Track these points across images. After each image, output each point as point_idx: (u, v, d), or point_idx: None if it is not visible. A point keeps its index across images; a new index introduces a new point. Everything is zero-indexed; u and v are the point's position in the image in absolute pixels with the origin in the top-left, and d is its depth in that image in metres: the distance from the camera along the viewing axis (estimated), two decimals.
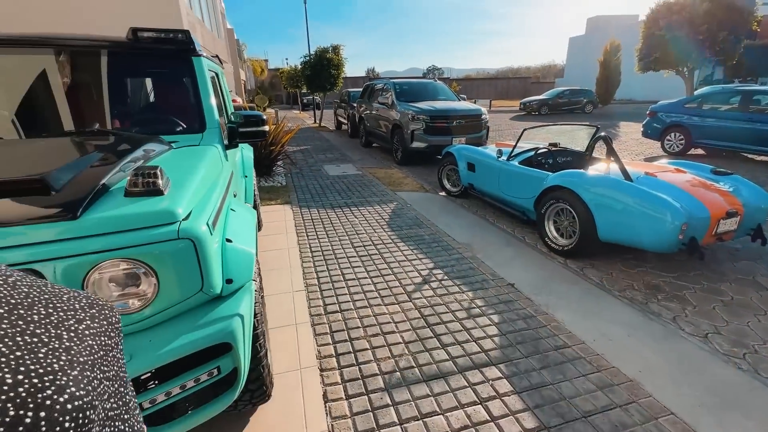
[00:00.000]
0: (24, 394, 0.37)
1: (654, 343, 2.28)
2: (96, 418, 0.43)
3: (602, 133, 3.83)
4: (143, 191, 1.19)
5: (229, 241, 1.42)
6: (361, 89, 12.38)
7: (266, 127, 2.34)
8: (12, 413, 0.36)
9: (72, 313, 0.50)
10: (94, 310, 0.53)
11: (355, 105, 11.68)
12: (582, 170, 3.61)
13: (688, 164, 3.96)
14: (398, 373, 2.02)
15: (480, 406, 1.80)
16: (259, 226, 3.99)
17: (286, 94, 36.70)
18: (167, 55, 2.17)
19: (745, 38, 11.42)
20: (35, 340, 0.42)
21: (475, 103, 11.27)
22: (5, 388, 0.36)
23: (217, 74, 2.76)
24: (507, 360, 2.11)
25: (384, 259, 3.40)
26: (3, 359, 0.38)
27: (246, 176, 3.31)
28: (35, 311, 0.46)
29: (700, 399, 1.86)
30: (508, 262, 3.38)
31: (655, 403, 1.82)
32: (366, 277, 3.06)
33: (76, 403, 0.40)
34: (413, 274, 3.11)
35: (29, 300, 0.46)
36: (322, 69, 14.52)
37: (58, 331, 0.46)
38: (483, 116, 7.99)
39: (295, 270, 3.18)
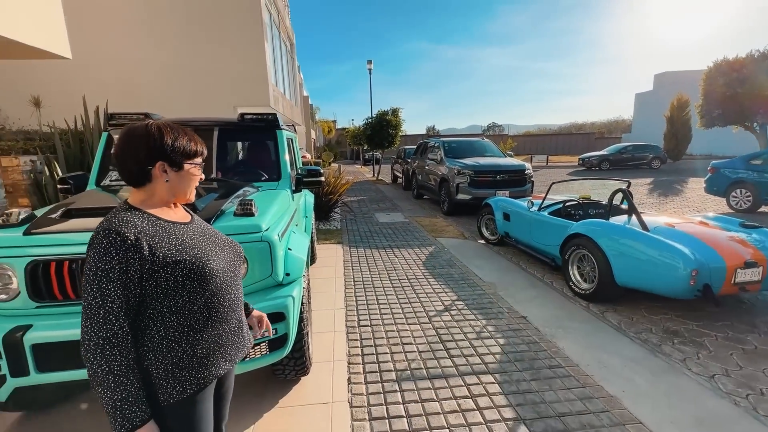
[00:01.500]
0: (197, 257, 1.08)
1: (649, 375, 2.49)
2: (217, 276, 1.11)
3: (624, 187, 4.16)
4: (244, 213, 1.98)
5: (290, 249, 2.15)
6: (413, 146, 13.54)
7: (322, 178, 3.18)
8: (195, 264, 1.06)
9: (222, 242, 1.21)
10: (232, 245, 1.24)
11: (409, 160, 12.78)
12: (602, 220, 3.93)
13: (718, 218, 4.08)
14: (409, 371, 2.51)
15: (470, 399, 2.22)
16: (314, 260, 4.78)
17: (350, 150, 40.06)
18: (260, 129, 3.16)
19: None
20: (209, 246, 1.13)
21: (531, 159, 11.74)
22: (189, 256, 1.06)
23: (291, 139, 3.75)
24: (502, 371, 2.49)
25: (414, 290, 3.94)
26: (196, 248, 1.09)
27: (306, 216, 4.17)
28: (212, 238, 1.18)
29: (676, 418, 2.08)
30: (528, 300, 3.72)
31: (627, 414, 2.09)
32: (396, 303, 3.62)
33: (211, 267, 1.09)
34: (437, 303, 3.60)
35: (214, 235, 1.20)
36: (381, 129, 16.13)
37: (217, 247, 1.16)
38: (526, 171, 8.44)
39: (339, 294, 3.84)
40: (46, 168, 5.05)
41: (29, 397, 2.01)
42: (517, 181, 8.34)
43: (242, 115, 3.07)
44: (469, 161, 8.68)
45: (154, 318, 1.02)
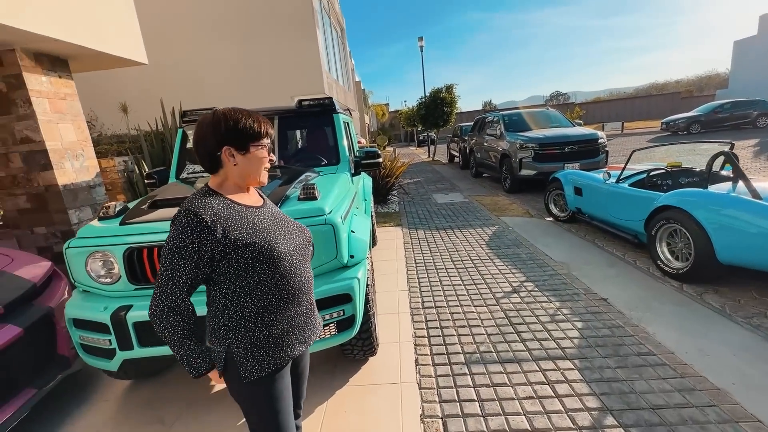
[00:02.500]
0: (267, 240, 1.08)
1: (765, 365, 2.14)
2: (286, 260, 1.11)
3: (726, 149, 3.56)
4: (307, 198, 2.01)
5: (353, 231, 2.15)
6: (470, 123, 12.97)
7: (380, 160, 3.14)
8: (264, 247, 1.07)
9: (291, 226, 1.21)
10: (300, 229, 1.25)
11: (466, 138, 12.29)
12: (699, 189, 3.42)
13: None
14: (478, 354, 2.42)
15: (547, 385, 2.08)
16: (375, 243, 4.82)
17: (404, 132, 39.70)
18: (317, 114, 3.18)
19: None
20: (278, 230, 1.14)
21: (603, 127, 10.61)
22: (258, 239, 1.07)
23: (347, 123, 3.74)
24: (582, 357, 2.30)
25: (478, 271, 3.80)
26: (265, 232, 1.09)
27: (365, 200, 4.18)
28: (282, 223, 1.18)
29: None
30: (607, 280, 3.40)
31: (739, 410, 1.81)
32: (460, 284, 3.51)
33: (279, 250, 1.09)
34: (504, 285, 3.43)
35: (283, 219, 1.20)
36: (435, 107, 15.69)
37: (286, 231, 1.16)
38: (599, 141, 7.67)
39: (401, 275, 3.83)
40: (135, 167, 5.65)
41: (135, 367, 2.28)
42: (588, 152, 7.61)
43: (300, 101, 3.11)
44: (532, 134, 8.09)
45: (229, 297, 1.07)
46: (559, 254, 4.12)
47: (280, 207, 1.95)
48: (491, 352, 2.44)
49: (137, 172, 5.55)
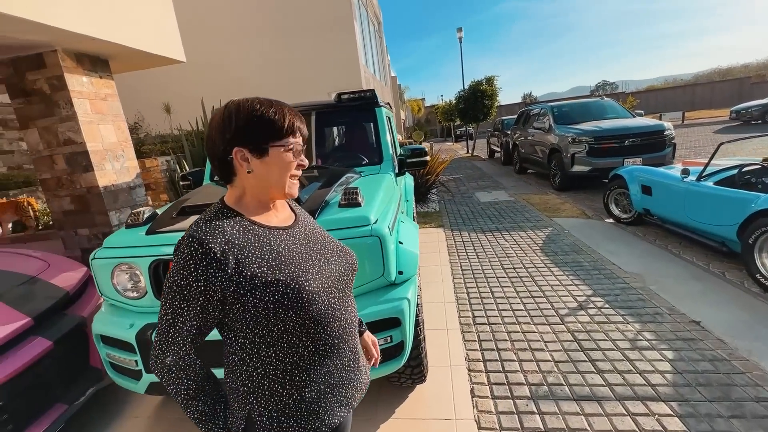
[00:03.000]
0: (293, 276, 0.80)
1: None
2: (319, 300, 0.83)
3: None
4: (349, 204, 1.74)
5: (401, 242, 1.85)
6: (513, 117, 12.26)
7: (428, 158, 2.82)
8: (290, 287, 0.78)
9: (329, 251, 0.93)
10: (342, 253, 0.96)
11: (509, 132, 11.62)
12: None
13: None
14: (545, 386, 2.06)
15: None
16: None
17: (440, 127, 38.86)
18: (358, 108, 2.91)
19: None
20: (311, 259, 0.86)
21: (660, 118, 9.64)
22: (283, 276, 0.79)
23: (389, 117, 3.45)
24: (681, 399, 1.87)
25: (535, 281, 3.38)
26: (293, 265, 0.82)
27: (407, 200, 3.88)
28: (317, 246, 0.91)
29: None
30: (694, 297, 2.88)
31: None
32: (515, 297, 3.13)
33: (310, 290, 0.81)
34: (567, 299, 3.00)
35: (321, 241, 0.92)
36: (475, 101, 15.02)
37: (322, 258, 0.89)
38: (666, 132, 6.85)
39: (447, 284, 3.50)
40: (177, 166, 5.70)
41: (165, 389, 2.12)
42: (652, 146, 6.82)
43: (339, 95, 2.86)
44: (586, 126, 7.39)
45: (247, 350, 0.81)
46: (629, 263, 3.60)
47: (318, 215, 1.69)
48: (562, 384, 2.06)
49: (178, 171, 5.59)
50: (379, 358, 1.24)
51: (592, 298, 2.97)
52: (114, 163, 3.40)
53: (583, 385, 2.04)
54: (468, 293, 3.28)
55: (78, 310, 2.17)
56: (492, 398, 2.01)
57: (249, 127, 0.80)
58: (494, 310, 2.95)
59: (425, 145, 16.20)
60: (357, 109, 2.93)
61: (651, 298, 2.89)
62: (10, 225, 3.93)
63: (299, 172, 0.88)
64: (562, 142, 7.40)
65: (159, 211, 2.01)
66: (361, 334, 1.15)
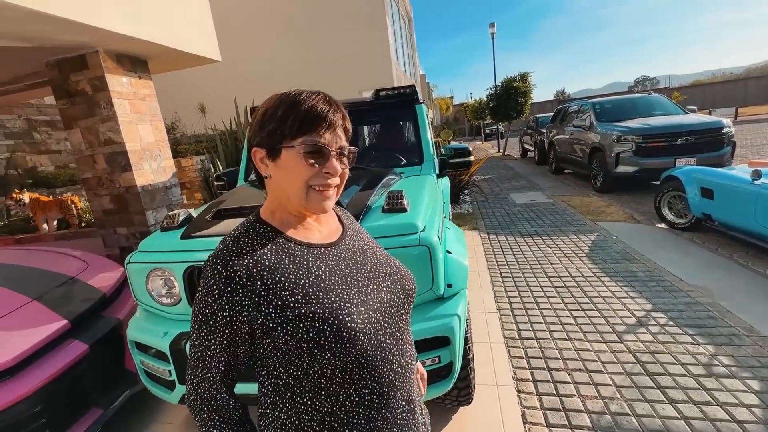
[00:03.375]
0: (332, 308, 0.65)
1: None
2: (364, 339, 0.67)
3: None
4: (394, 209, 1.59)
5: (449, 252, 1.69)
6: (547, 114, 11.75)
7: (471, 158, 2.63)
8: (327, 322, 0.64)
9: (381, 273, 0.77)
10: (396, 276, 0.80)
11: (543, 130, 11.13)
12: None
13: None
14: (608, 416, 1.83)
15: None
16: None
17: (469, 126, 38.10)
18: (397, 106, 2.76)
19: None
20: (357, 284, 0.71)
21: (710, 113, 8.93)
22: (320, 308, 0.64)
23: (427, 116, 3.28)
24: None
25: (584, 292, 3.11)
26: (333, 293, 0.67)
27: (444, 202, 3.69)
28: (367, 267, 0.76)
29: None
30: None
31: None
32: (563, 309, 2.88)
33: (353, 327, 0.66)
34: (623, 313, 2.73)
35: (371, 260, 0.78)
36: (508, 98, 14.53)
37: (372, 281, 0.74)
38: (724, 129, 6.28)
39: (486, 292, 3.29)
40: (211, 166, 5.77)
41: None
42: (708, 144, 6.27)
43: (377, 92, 2.72)
44: (632, 124, 6.90)
45: (280, 392, 0.67)
46: (692, 274, 3.26)
47: (360, 222, 1.55)
48: (628, 415, 1.83)
49: (212, 170, 5.65)
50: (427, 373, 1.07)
51: (653, 314, 2.68)
52: (151, 163, 3.42)
53: (654, 417, 1.79)
54: (510, 303, 3.06)
55: (114, 311, 2.15)
56: (547, 426, 1.81)
57: (262, 123, 0.68)
58: (541, 322, 2.73)
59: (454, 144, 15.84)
60: (396, 107, 2.78)
61: (723, 316, 2.57)
62: (55, 222, 4.06)
63: (333, 181, 0.69)
64: (605, 141, 6.95)
65: (194, 214, 1.93)
66: None
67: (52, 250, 2.65)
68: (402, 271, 0.82)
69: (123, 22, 2.77)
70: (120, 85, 3.17)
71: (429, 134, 2.62)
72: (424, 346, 1.49)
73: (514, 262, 3.93)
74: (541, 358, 2.33)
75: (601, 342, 2.42)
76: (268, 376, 0.68)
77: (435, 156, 2.62)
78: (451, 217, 4.24)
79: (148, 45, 3.11)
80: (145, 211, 3.31)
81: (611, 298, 2.98)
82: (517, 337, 2.58)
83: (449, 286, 1.60)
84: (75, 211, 3.94)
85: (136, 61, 3.38)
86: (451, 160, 2.60)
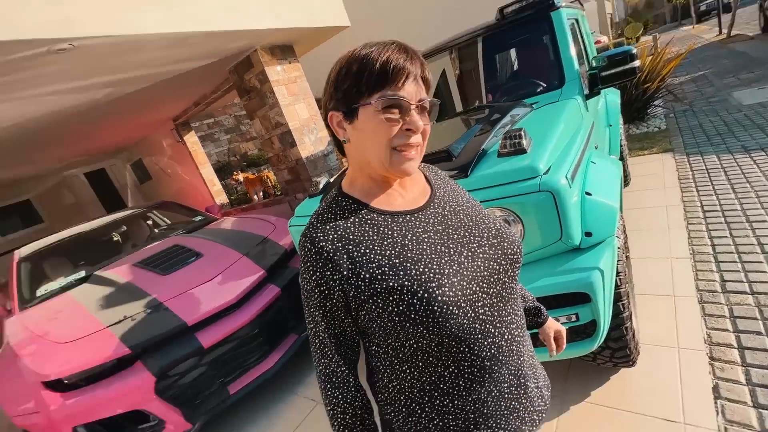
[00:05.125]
0: (421, 280, 0.61)
1: None
2: (459, 313, 0.61)
3: None
4: (511, 152, 1.40)
5: (588, 194, 1.39)
6: None
7: (636, 63, 1.99)
8: (417, 295, 0.60)
9: (478, 238, 0.70)
10: (495, 240, 0.72)
11: None
12: None
13: None
14: None
15: None
16: (626, 182, 3.52)
17: (671, 8, 28.41)
18: (528, 20, 2.30)
19: None
20: (448, 252, 0.65)
21: None
22: (408, 280, 0.61)
23: (576, 20, 2.61)
24: None
25: None
26: (421, 263, 0.63)
27: (610, 125, 2.99)
28: (460, 231, 0.70)
29: None
30: None
31: None
32: None
33: (445, 300, 0.60)
34: None
35: (467, 224, 0.72)
36: None
37: (467, 248, 0.67)
38: None
39: (676, 232, 2.59)
40: None
41: None
42: None
43: (501, 9, 2.32)
44: None
45: (382, 360, 0.70)
46: None
47: (472, 171, 1.43)
48: None
49: None
50: (565, 330, 0.96)
51: None
52: (310, 136, 3.98)
53: None
54: (714, 246, 2.33)
55: (296, 263, 2.72)
56: (755, 407, 1.38)
57: (336, 84, 0.65)
58: (760, 271, 1.99)
59: (645, 41, 12.23)
60: (525, 23, 2.32)
61: None
62: (261, 194, 5.31)
63: (415, 140, 0.64)
64: None
65: (332, 180, 2.19)
66: (540, 325, 0.91)
67: (255, 216, 3.50)
68: (503, 233, 0.73)
69: (271, 17, 3.18)
70: (276, 73, 3.73)
71: (572, 48, 2.10)
72: (557, 302, 1.33)
73: (728, 190, 2.91)
74: (757, 319, 1.73)
75: None
76: (369, 343, 0.70)
77: (583, 73, 2.10)
78: (624, 141, 3.41)
79: (291, 31, 3.50)
80: (312, 178, 3.93)
81: None
82: (718, 290, 1.97)
83: (588, 234, 1.34)
84: (270, 184, 5.04)
85: (285, 48, 3.87)
86: (603, 73, 2.03)
